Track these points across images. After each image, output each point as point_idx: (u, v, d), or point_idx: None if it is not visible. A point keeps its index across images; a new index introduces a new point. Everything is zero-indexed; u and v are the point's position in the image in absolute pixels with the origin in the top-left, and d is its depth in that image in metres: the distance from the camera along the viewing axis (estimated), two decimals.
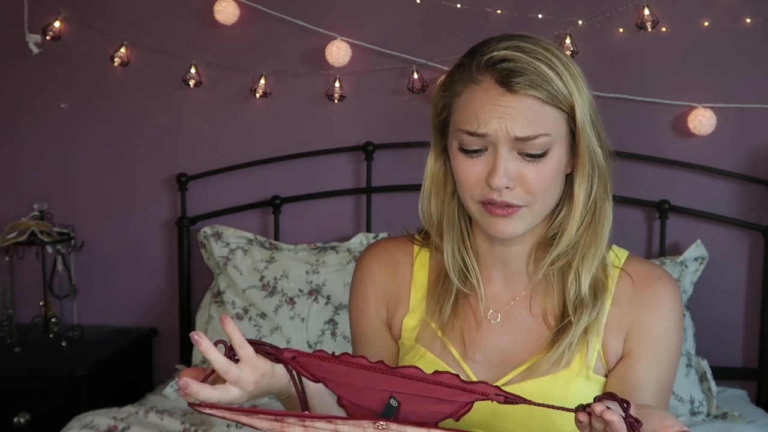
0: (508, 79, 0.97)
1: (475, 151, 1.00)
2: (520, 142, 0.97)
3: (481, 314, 1.11)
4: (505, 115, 0.97)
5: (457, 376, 0.80)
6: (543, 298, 1.10)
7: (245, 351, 0.88)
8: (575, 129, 1.00)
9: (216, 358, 0.87)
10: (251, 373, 0.88)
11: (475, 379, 1.09)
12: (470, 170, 1.00)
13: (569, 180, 1.05)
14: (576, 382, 1.05)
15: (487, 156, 0.99)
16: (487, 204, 1.01)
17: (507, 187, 0.99)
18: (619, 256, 1.12)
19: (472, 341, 1.11)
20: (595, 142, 1.02)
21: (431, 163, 1.11)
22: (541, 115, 0.97)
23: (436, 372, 0.80)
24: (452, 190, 1.09)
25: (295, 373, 0.86)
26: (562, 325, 1.06)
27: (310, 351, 0.91)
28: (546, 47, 1.00)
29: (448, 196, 1.10)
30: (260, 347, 0.89)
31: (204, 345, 0.86)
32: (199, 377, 0.87)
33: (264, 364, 0.90)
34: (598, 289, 1.07)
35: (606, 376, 1.08)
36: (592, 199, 1.05)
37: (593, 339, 1.06)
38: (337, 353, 0.82)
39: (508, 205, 1.00)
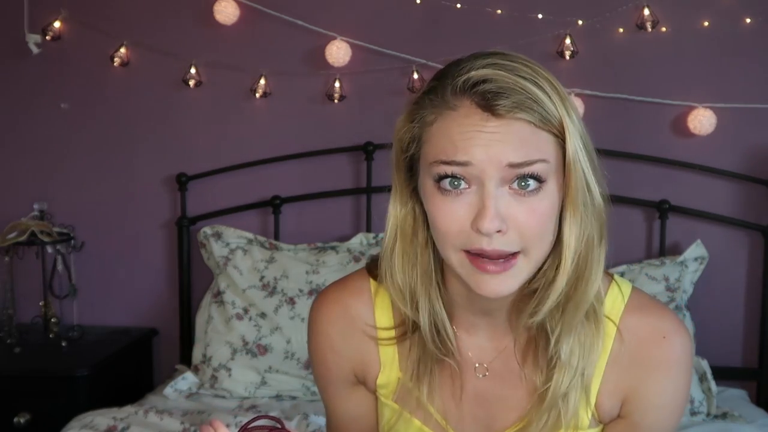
0: (491, 103, 0.80)
1: (456, 186, 0.82)
2: (514, 170, 0.81)
3: (462, 378, 0.98)
4: (492, 142, 0.80)
5: None
6: (528, 350, 0.96)
7: None
8: (567, 158, 0.83)
9: None
10: None
11: None
12: (451, 214, 0.83)
13: (558, 221, 0.87)
14: None
15: (472, 195, 0.82)
16: (476, 257, 0.83)
17: (499, 231, 0.81)
18: (622, 292, 0.96)
19: (457, 399, 0.99)
20: (590, 173, 0.85)
21: (395, 210, 0.92)
22: (534, 139, 0.81)
23: None
24: (425, 239, 0.92)
25: None
26: (544, 389, 0.93)
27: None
28: (526, 64, 0.84)
29: (420, 247, 0.93)
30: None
31: None
32: None
33: None
34: (585, 346, 0.91)
35: (599, 425, 0.98)
36: (583, 246, 0.87)
37: (581, 401, 0.93)
38: None
39: (501, 256, 0.83)
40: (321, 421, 2.02)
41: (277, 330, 2.28)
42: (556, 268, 0.87)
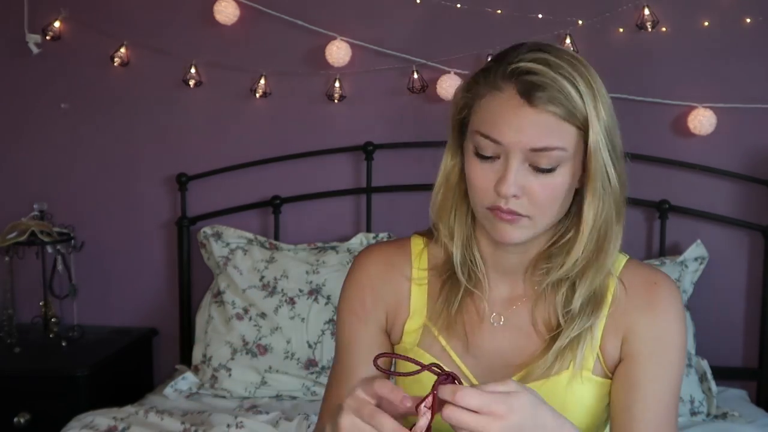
0: (529, 93, 0.97)
1: (489, 158, 1.00)
2: (534, 154, 0.98)
3: (484, 313, 1.11)
4: (522, 128, 0.97)
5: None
6: (540, 306, 1.10)
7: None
8: (588, 147, 1.00)
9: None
10: None
11: (474, 380, 1.10)
12: (482, 176, 1.01)
13: (580, 199, 1.05)
14: (571, 385, 1.06)
15: (499, 164, 1.00)
16: (494, 210, 1.01)
17: (514, 196, 0.99)
18: (617, 261, 1.12)
19: (476, 339, 1.11)
20: (610, 162, 1.02)
21: (446, 160, 1.11)
22: (558, 129, 0.98)
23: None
24: (464, 190, 1.09)
25: None
26: (553, 334, 1.07)
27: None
28: (571, 62, 1.00)
29: (459, 195, 1.10)
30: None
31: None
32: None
33: None
34: (594, 302, 1.07)
35: (607, 377, 1.09)
36: (602, 221, 1.04)
37: (586, 344, 1.07)
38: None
39: (512, 214, 1.00)
40: None
41: (277, 330, 2.28)
42: (576, 239, 1.05)
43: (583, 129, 0.99)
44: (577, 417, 1.05)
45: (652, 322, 1.07)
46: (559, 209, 1.03)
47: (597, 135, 0.99)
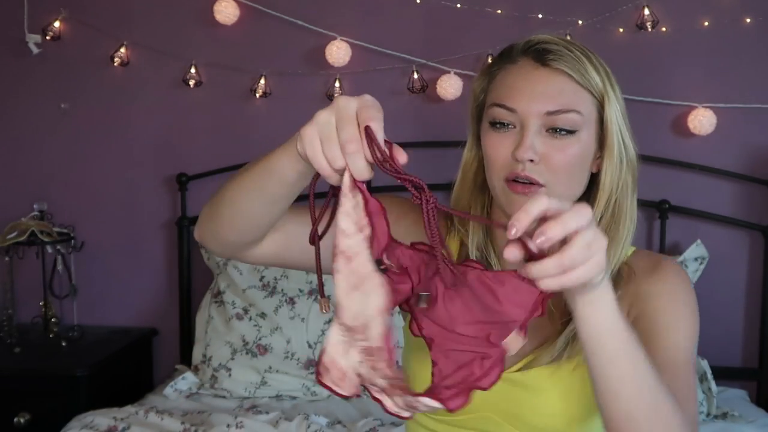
0: (543, 56, 1.00)
1: (505, 125, 1.00)
2: (550, 117, 0.98)
3: None
4: (536, 92, 0.99)
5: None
6: (558, 293, 1.08)
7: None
8: (605, 119, 1.01)
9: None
10: None
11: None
12: (499, 145, 1.01)
13: (596, 179, 1.04)
14: (579, 370, 1.05)
15: (515, 133, 1.00)
16: (511, 182, 1.00)
17: (531, 161, 0.98)
18: (626, 250, 1.11)
19: None
20: (627, 132, 1.04)
21: (466, 152, 1.12)
22: (573, 93, 0.99)
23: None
24: (482, 181, 1.09)
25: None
26: (565, 320, 1.06)
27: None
28: (583, 47, 1.03)
29: (477, 186, 1.10)
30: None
31: None
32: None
33: None
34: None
35: None
36: (619, 190, 1.04)
37: None
38: None
39: (530, 182, 0.99)
40: (321, 420, 2.02)
41: (277, 330, 2.28)
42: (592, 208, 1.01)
43: (599, 101, 1.01)
44: (582, 402, 1.05)
45: (658, 282, 1.06)
46: (574, 182, 1.03)
47: (614, 109, 1.02)
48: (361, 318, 0.72)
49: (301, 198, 0.89)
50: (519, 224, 0.70)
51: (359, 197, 0.73)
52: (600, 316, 0.81)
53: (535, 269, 0.71)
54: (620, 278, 1.07)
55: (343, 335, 0.75)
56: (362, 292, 0.72)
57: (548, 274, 0.72)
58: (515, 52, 1.04)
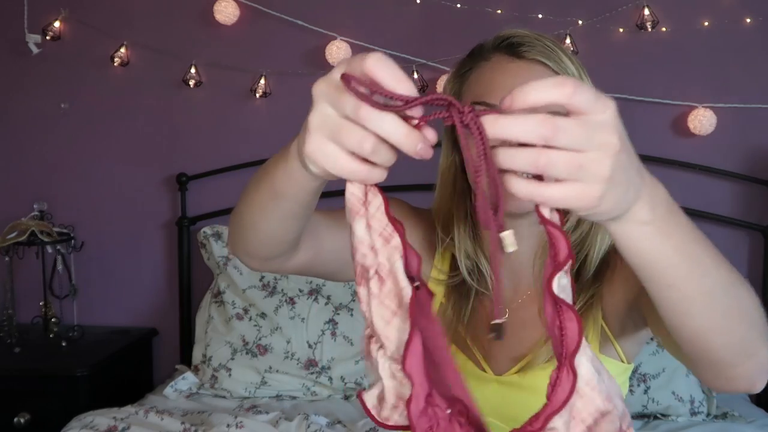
0: (516, 49, 0.98)
1: None
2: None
3: (487, 320, 1.09)
4: (515, 84, 0.85)
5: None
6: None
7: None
8: None
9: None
10: None
11: (491, 373, 1.09)
12: None
13: None
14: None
15: None
16: None
17: None
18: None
19: (478, 333, 1.09)
20: None
21: (442, 159, 1.09)
22: None
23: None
24: (461, 188, 1.07)
25: None
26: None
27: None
28: (553, 39, 1.02)
29: (458, 192, 1.08)
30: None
31: None
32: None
33: None
34: (591, 279, 1.04)
35: (620, 357, 1.06)
36: None
37: (589, 325, 1.04)
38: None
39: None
40: (321, 420, 2.02)
41: (277, 330, 2.28)
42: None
43: None
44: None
45: None
46: None
47: None
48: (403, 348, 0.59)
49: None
50: (513, 100, 0.56)
51: (379, 198, 0.60)
52: (641, 244, 0.67)
53: (506, 155, 0.55)
54: (606, 267, 1.05)
55: (395, 372, 0.61)
56: (401, 317, 0.60)
57: (516, 165, 0.54)
58: (485, 49, 1.02)
